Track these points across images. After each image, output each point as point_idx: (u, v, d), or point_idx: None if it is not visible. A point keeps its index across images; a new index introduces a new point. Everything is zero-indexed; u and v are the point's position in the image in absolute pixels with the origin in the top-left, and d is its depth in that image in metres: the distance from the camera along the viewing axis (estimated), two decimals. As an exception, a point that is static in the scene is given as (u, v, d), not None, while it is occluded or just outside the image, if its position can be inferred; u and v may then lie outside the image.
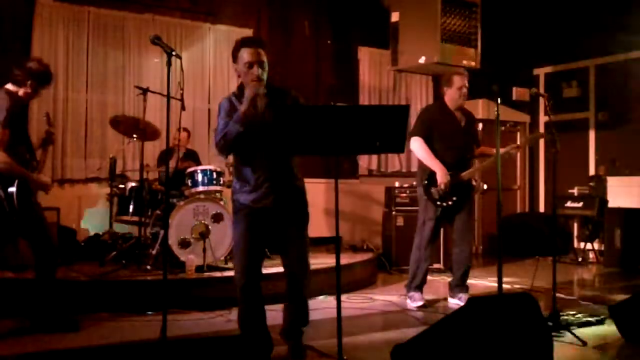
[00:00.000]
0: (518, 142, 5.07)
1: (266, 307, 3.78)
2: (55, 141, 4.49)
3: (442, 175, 5.02)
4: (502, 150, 5.03)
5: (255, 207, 3.64)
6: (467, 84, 5.16)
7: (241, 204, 3.68)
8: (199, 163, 6.71)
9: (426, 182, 5.13)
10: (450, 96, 5.19)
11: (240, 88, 3.68)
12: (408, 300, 5.29)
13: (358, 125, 3.16)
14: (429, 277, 5.45)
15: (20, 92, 4.17)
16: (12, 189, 4.01)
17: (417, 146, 5.11)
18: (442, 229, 6.15)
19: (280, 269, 3.92)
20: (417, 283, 5.28)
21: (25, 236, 4.33)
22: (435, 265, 6.97)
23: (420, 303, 5.22)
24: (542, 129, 9.48)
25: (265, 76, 3.58)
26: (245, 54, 3.55)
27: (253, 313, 3.72)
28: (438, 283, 5.80)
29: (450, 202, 5.08)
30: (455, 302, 5.23)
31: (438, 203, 5.10)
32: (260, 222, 3.66)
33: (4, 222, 4.08)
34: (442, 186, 5.02)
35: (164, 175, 6.13)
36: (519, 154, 9.34)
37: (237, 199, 3.71)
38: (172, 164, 6.33)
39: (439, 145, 5.12)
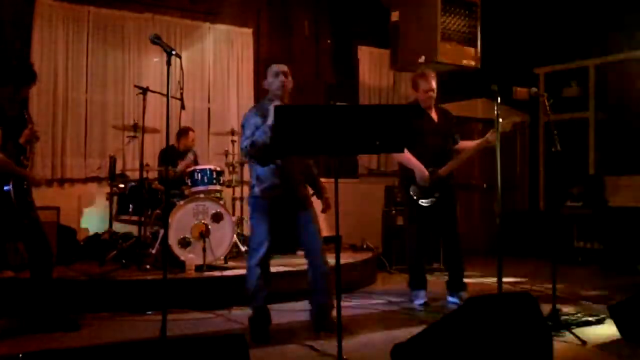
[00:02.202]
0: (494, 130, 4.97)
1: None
2: (39, 138, 4.47)
3: (420, 173, 5.08)
4: (480, 140, 5.07)
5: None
6: (433, 86, 5.17)
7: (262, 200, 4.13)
8: (196, 163, 6.71)
9: (406, 182, 5.20)
10: (419, 98, 5.25)
11: (262, 103, 4.24)
12: (412, 298, 5.33)
13: (358, 125, 3.16)
14: (429, 277, 5.48)
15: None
16: (8, 187, 4.01)
17: None
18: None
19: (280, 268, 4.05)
20: (417, 281, 5.31)
21: (19, 235, 4.32)
22: (435, 265, 6.98)
23: (423, 301, 5.26)
24: (541, 129, 9.48)
25: (289, 85, 4.17)
26: (275, 67, 4.19)
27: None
28: (438, 283, 5.79)
29: (432, 199, 5.13)
30: (454, 301, 5.23)
31: (420, 202, 5.15)
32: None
33: (3, 222, 4.08)
34: (422, 183, 5.07)
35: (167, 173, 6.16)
36: (518, 154, 9.37)
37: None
38: (183, 165, 6.36)
39: (417, 145, 5.14)
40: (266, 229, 4.13)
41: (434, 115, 5.28)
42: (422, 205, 5.16)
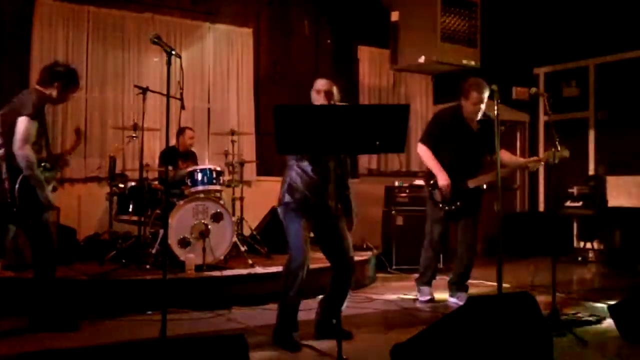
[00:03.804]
0: (540, 156, 5.01)
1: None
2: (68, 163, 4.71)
3: (442, 181, 5.07)
4: (522, 161, 5.02)
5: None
6: (484, 100, 5.06)
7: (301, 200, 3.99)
8: (196, 164, 6.71)
9: (431, 186, 5.20)
10: (465, 107, 5.16)
11: None
12: (417, 294, 5.43)
13: (358, 124, 3.16)
14: None
15: (48, 92, 4.23)
16: (15, 185, 4.00)
17: (422, 153, 5.21)
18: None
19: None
20: (427, 279, 5.42)
21: (26, 234, 4.32)
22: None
23: (429, 297, 5.37)
24: (541, 129, 9.48)
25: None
26: (318, 84, 4.20)
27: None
28: (438, 283, 5.78)
29: (453, 207, 5.14)
30: (454, 302, 5.25)
31: (441, 206, 5.17)
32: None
33: (3, 211, 4.07)
34: (443, 190, 5.07)
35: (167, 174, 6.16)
36: (518, 154, 9.36)
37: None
38: (184, 169, 6.36)
39: (449, 151, 5.14)
40: (301, 229, 3.96)
41: (472, 124, 5.18)
42: (442, 209, 5.18)
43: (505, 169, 5.13)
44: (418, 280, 5.47)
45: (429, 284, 5.42)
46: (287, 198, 4.00)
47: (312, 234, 4.11)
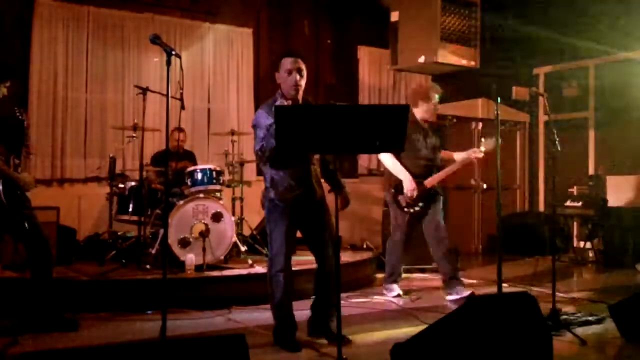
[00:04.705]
0: (480, 147, 5.17)
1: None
2: (29, 136, 4.46)
3: (409, 186, 5.20)
4: (464, 154, 5.19)
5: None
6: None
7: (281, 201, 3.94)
8: (195, 164, 6.70)
9: (394, 190, 5.32)
10: (425, 110, 5.31)
11: (274, 99, 3.98)
12: (385, 292, 5.57)
13: (358, 124, 3.16)
14: (428, 276, 5.79)
15: None
16: None
17: (386, 158, 5.34)
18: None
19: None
20: (395, 278, 5.58)
21: (16, 235, 4.32)
22: (434, 265, 6.97)
23: (397, 292, 5.51)
24: (541, 128, 9.48)
25: (302, 82, 3.89)
26: (288, 63, 3.88)
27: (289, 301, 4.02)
28: (437, 283, 5.79)
29: (417, 209, 5.28)
30: (453, 298, 5.27)
31: (405, 210, 5.30)
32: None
33: None
34: (409, 194, 5.20)
35: (160, 174, 6.15)
36: (517, 154, 9.38)
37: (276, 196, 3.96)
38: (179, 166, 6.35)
39: (407, 157, 5.25)
40: (284, 234, 3.91)
41: (426, 127, 5.39)
42: (405, 213, 5.31)
43: (454, 165, 5.36)
44: (386, 280, 5.60)
45: (396, 282, 5.59)
46: (272, 193, 3.98)
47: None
